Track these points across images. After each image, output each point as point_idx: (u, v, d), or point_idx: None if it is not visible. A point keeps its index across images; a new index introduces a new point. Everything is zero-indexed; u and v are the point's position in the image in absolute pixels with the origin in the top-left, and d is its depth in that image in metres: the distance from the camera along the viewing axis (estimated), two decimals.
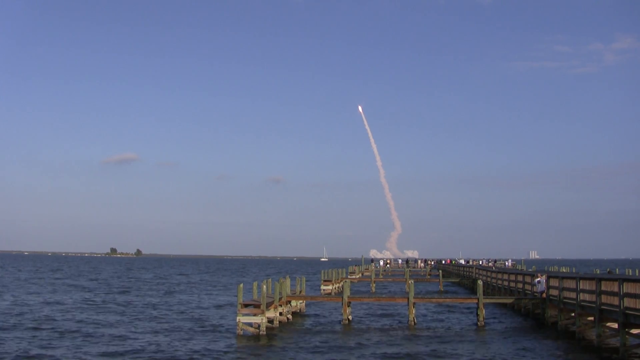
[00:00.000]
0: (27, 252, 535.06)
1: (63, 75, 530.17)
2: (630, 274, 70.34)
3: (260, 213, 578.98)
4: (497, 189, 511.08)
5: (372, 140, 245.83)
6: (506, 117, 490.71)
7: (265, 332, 34.50)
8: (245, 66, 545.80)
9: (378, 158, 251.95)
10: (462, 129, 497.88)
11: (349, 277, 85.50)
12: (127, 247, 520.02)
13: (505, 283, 51.95)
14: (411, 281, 44.41)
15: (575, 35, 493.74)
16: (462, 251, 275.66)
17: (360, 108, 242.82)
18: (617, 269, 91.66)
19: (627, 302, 25.92)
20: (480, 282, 42.62)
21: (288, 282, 42.95)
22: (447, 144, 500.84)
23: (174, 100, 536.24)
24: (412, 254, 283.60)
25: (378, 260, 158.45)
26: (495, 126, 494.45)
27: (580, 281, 32.25)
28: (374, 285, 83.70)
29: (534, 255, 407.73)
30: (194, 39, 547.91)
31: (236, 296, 36.25)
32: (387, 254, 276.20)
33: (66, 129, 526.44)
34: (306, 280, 53.50)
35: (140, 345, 31.24)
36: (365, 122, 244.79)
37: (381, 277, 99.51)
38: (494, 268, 77.49)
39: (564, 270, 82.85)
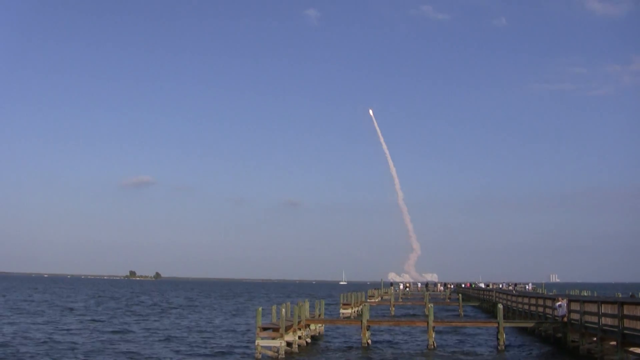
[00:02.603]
0: (46, 274, 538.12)
1: (81, 99, 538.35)
2: None
3: (279, 236, 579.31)
4: (518, 211, 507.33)
5: (391, 164, 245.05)
6: (525, 139, 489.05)
7: (284, 356, 34.40)
8: (260, 92, 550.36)
9: (397, 181, 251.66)
10: (481, 151, 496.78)
11: (368, 300, 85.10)
12: (146, 270, 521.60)
13: (526, 307, 51.44)
14: (430, 305, 44.17)
15: (592, 57, 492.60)
16: (482, 274, 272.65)
17: (379, 133, 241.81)
18: None
19: None
20: (500, 306, 42.25)
21: (307, 305, 42.83)
22: (466, 166, 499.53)
23: (191, 125, 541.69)
24: (431, 277, 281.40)
25: (397, 283, 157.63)
26: (514, 148, 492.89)
27: (602, 305, 31.89)
28: (393, 308, 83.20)
29: (554, 278, 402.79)
30: (209, 64, 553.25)
31: (255, 319, 36.22)
32: (406, 277, 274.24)
33: (84, 152, 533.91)
34: (325, 304, 53.33)
35: None
36: (385, 147, 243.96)
37: (400, 300, 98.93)
38: (514, 291, 76.79)
39: (585, 294, 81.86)
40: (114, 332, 49.97)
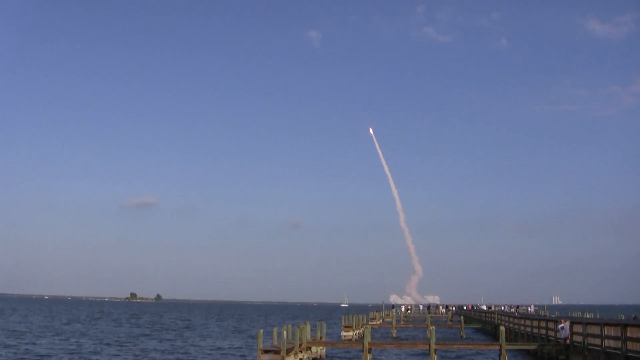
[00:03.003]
0: (47, 296, 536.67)
1: (82, 120, 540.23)
2: None
3: (280, 257, 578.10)
4: (520, 233, 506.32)
5: (392, 185, 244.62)
6: (526, 160, 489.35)
7: None
8: (262, 113, 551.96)
9: (398, 202, 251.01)
10: (482, 172, 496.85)
11: (369, 322, 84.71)
12: (147, 292, 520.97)
13: (528, 329, 51.19)
14: (432, 327, 44.00)
15: (593, 79, 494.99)
16: (484, 297, 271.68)
17: (380, 153, 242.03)
18: None
19: None
20: (502, 328, 42.04)
21: (308, 327, 42.66)
22: (468, 187, 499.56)
23: (193, 145, 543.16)
24: (433, 299, 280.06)
25: (399, 306, 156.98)
26: (516, 169, 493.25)
27: (605, 327, 31.76)
28: (395, 331, 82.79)
29: (556, 300, 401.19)
30: (211, 86, 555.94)
31: (256, 342, 36.05)
32: (408, 299, 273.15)
33: (86, 173, 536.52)
34: (326, 326, 53.09)
35: None
36: (386, 167, 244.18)
37: (402, 323, 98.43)
38: (516, 314, 76.44)
39: (588, 316, 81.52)
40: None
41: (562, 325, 39.90)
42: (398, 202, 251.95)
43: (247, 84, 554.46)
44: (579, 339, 36.57)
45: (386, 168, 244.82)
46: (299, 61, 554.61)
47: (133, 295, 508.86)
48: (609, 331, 31.25)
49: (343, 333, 68.85)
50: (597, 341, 32.74)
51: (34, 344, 58.89)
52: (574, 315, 79.57)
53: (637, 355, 27.27)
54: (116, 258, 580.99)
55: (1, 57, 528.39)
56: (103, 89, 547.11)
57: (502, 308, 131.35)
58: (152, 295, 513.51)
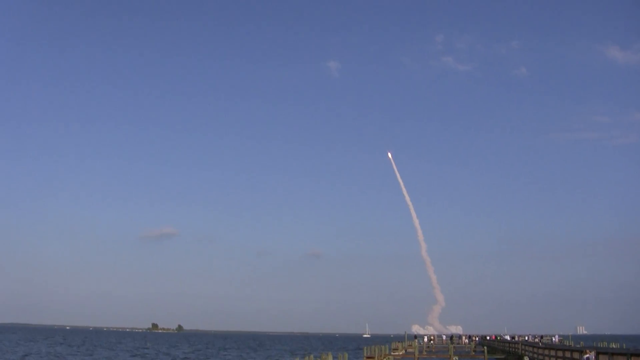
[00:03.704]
0: (68, 326, 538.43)
1: (102, 151, 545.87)
2: None
3: (301, 288, 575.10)
4: (543, 262, 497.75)
5: (413, 215, 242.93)
6: (548, 188, 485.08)
7: None
8: (281, 142, 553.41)
9: (420, 232, 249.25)
10: (504, 200, 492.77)
11: (392, 353, 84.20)
12: (168, 323, 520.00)
13: (553, 359, 50.73)
14: (455, 357, 43.79)
15: (614, 106, 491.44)
16: (507, 326, 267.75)
17: (399, 177, 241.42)
18: None
19: None
20: (526, 359, 41.79)
21: (330, 358, 42.69)
22: (490, 216, 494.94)
23: (213, 176, 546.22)
24: (455, 329, 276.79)
25: (421, 336, 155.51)
26: (538, 197, 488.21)
27: (632, 357, 31.54)
28: None
29: (581, 330, 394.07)
30: (230, 114, 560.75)
31: None
32: (430, 330, 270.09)
33: (108, 204, 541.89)
34: (348, 357, 52.96)
35: None
36: (406, 193, 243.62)
37: (425, 353, 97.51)
38: (540, 344, 75.64)
39: (614, 346, 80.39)
40: None
41: (587, 355, 39.61)
42: (419, 232, 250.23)
43: (265, 114, 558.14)
44: None
45: (407, 197, 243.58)
46: (317, 90, 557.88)
47: (154, 325, 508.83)
48: None
49: None
50: None
51: None
52: (599, 346, 78.56)
53: None
54: (138, 288, 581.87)
55: (25, 79, 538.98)
56: (126, 119, 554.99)
57: (526, 338, 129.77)
58: (174, 326, 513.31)
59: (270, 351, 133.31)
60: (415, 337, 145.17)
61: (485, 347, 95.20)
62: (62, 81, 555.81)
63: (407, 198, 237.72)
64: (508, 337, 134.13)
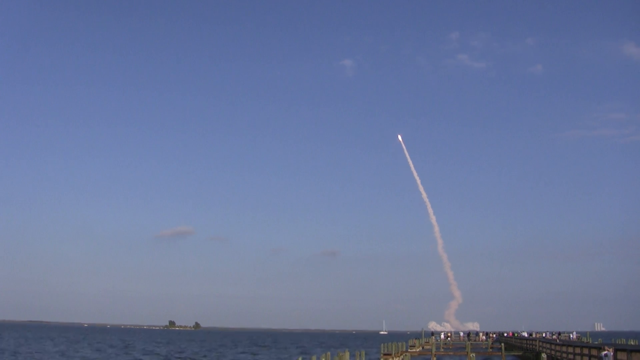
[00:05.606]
0: (86, 324, 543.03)
1: (117, 150, 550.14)
2: None
3: (318, 286, 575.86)
4: (561, 259, 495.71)
5: (430, 211, 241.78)
6: (565, 186, 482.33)
7: None
8: (296, 141, 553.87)
9: (436, 228, 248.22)
10: (522, 198, 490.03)
11: (409, 350, 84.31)
12: (185, 320, 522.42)
13: (571, 356, 50.58)
14: (473, 354, 43.84)
15: (630, 103, 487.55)
16: (525, 323, 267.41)
17: (420, 186, 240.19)
18: None
19: None
20: (544, 356, 41.77)
21: (347, 355, 42.87)
22: (508, 213, 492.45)
23: (229, 175, 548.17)
24: (473, 326, 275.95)
25: (439, 333, 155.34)
26: (555, 195, 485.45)
27: None
28: (435, 358, 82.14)
29: (599, 327, 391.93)
30: (246, 114, 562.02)
31: None
32: (447, 327, 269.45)
33: (123, 203, 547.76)
34: (365, 354, 53.11)
35: None
36: (420, 186, 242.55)
37: (442, 350, 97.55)
38: (558, 341, 75.36)
39: (633, 343, 79.96)
40: None
41: (605, 352, 39.46)
42: (436, 229, 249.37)
43: (280, 113, 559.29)
44: None
45: (424, 195, 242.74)
46: (332, 89, 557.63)
47: (172, 323, 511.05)
48: None
49: None
50: None
51: None
52: (617, 342, 78.14)
53: None
54: (154, 287, 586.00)
55: (36, 81, 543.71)
56: (142, 120, 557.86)
57: (544, 335, 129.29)
58: (191, 324, 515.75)
59: (290, 350, 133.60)
60: (432, 334, 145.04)
61: (502, 344, 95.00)
62: (74, 81, 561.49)
63: (424, 195, 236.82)
64: (525, 334, 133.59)
